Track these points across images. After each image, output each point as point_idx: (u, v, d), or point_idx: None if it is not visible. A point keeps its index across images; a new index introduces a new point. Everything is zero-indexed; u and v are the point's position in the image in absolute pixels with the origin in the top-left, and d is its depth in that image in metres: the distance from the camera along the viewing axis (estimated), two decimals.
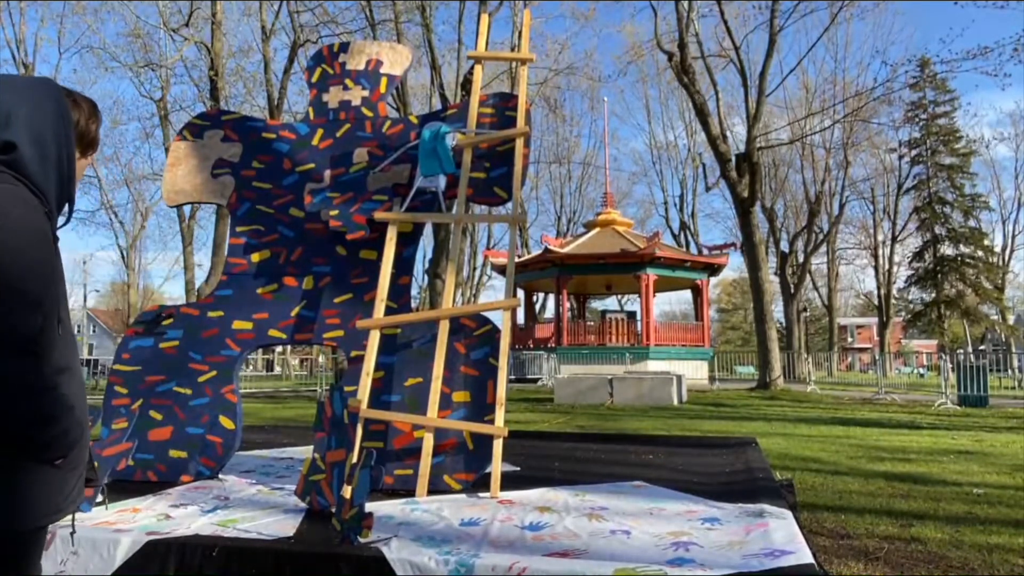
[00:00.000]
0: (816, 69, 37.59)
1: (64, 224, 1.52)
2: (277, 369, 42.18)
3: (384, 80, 4.75)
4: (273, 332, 4.33)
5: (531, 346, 25.39)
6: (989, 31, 53.57)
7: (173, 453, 4.06)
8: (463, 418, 3.91)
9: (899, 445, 7.90)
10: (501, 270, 26.53)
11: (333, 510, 2.84)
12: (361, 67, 4.76)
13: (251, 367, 41.98)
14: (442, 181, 4.36)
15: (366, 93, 4.71)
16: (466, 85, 19.06)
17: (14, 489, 1.34)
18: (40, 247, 1.34)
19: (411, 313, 4.28)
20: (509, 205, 4.47)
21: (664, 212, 45.51)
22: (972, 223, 39.69)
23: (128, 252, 41.32)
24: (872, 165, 40.86)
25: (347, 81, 4.74)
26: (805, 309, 42.63)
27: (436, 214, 4.43)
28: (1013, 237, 44.55)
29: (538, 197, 46.92)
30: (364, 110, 4.67)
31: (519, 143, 4.37)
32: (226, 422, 4.12)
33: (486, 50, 5.63)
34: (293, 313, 4.34)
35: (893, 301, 42.48)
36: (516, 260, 6.34)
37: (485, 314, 4.22)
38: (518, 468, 4.36)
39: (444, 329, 3.99)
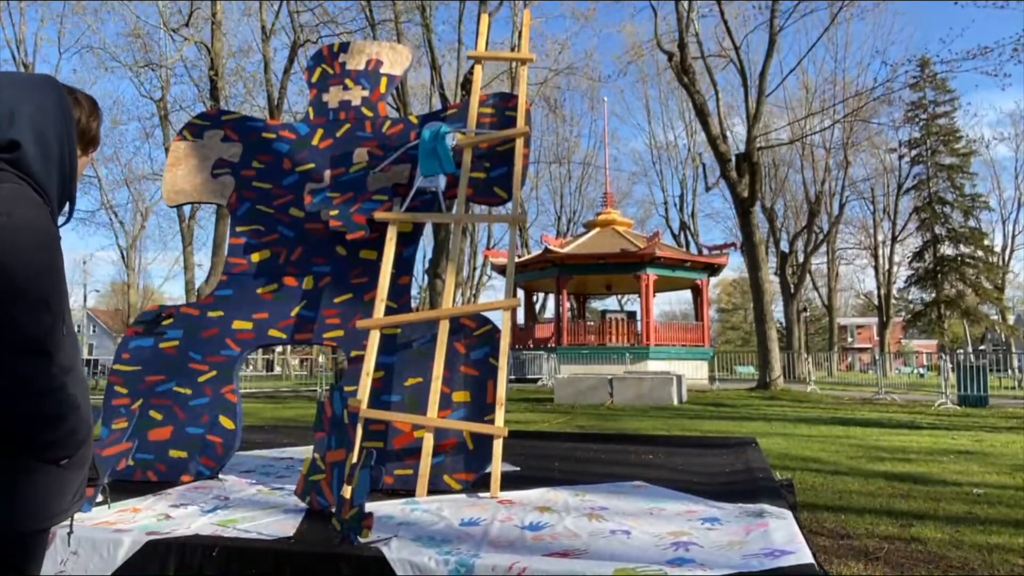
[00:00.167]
0: (816, 69, 37.66)
1: (65, 223, 1.52)
2: (277, 369, 42.18)
3: (384, 80, 4.75)
4: (273, 332, 4.32)
5: (531, 346, 25.39)
6: (989, 31, 53.61)
7: (173, 453, 4.06)
8: (463, 418, 3.91)
9: (899, 445, 7.90)
10: (501, 270, 26.53)
11: (333, 510, 2.84)
12: (361, 67, 4.76)
13: (251, 367, 41.98)
14: (442, 181, 4.36)
15: (366, 93, 4.71)
16: (466, 85, 19.06)
17: (19, 490, 1.34)
18: (47, 247, 1.34)
19: (411, 313, 4.28)
20: (509, 205, 4.46)
21: (664, 212, 45.60)
22: (972, 223, 39.72)
23: (128, 252, 41.36)
24: (872, 165, 40.94)
25: (347, 81, 4.74)
26: (805, 309, 42.63)
27: (436, 214, 4.43)
28: (1013, 237, 44.63)
29: (538, 197, 47.00)
30: (364, 110, 4.67)
31: (519, 143, 4.37)
32: (226, 422, 4.12)
33: (486, 50, 5.63)
34: (293, 313, 4.34)
35: (893, 301, 42.49)
36: (516, 260, 6.34)
37: (485, 314, 4.22)
38: (518, 468, 4.36)
39: (444, 329, 3.99)
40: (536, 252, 26.49)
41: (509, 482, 3.73)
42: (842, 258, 45.30)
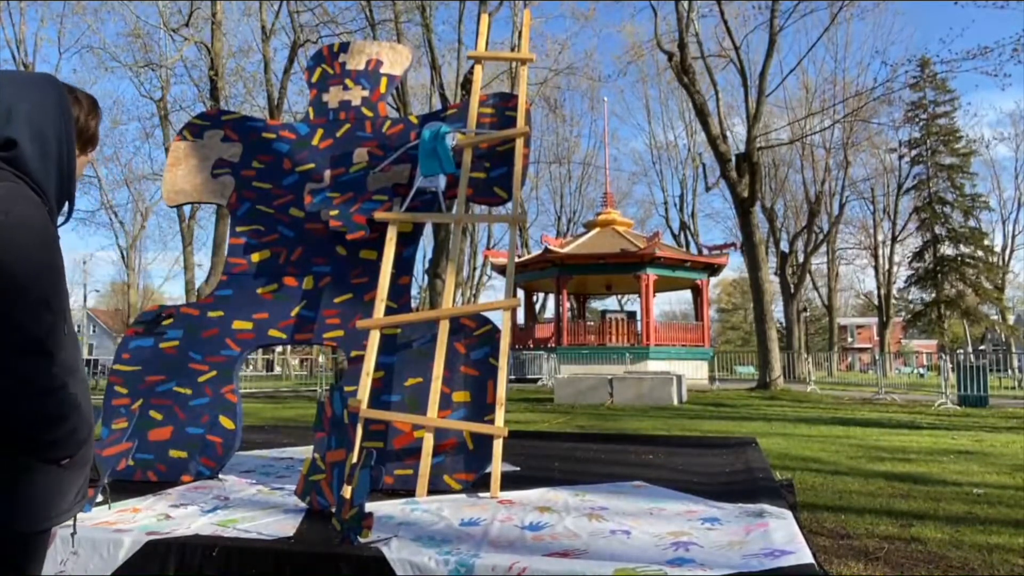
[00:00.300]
0: (816, 69, 37.63)
1: (64, 223, 1.51)
2: (277, 369, 42.17)
3: (384, 80, 4.75)
4: (273, 332, 4.33)
5: (531, 346, 25.39)
6: (989, 31, 53.60)
7: (173, 453, 4.06)
8: (463, 418, 3.91)
9: (899, 445, 7.90)
10: (501, 270, 26.53)
11: (333, 510, 2.84)
12: (361, 67, 4.76)
13: (251, 367, 41.97)
14: (442, 181, 4.36)
15: (366, 93, 4.71)
16: (466, 85, 19.06)
17: (20, 490, 1.33)
18: (46, 246, 1.33)
19: (411, 313, 4.28)
20: (509, 205, 4.47)
21: (664, 212, 45.58)
22: (972, 223, 39.72)
23: (128, 252, 41.36)
24: (872, 165, 40.93)
25: (347, 81, 4.74)
26: (805, 309, 42.63)
27: (436, 214, 4.43)
28: (1013, 237, 44.62)
29: (538, 197, 46.99)
30: (364, 110, 4.67)
31: (519, 143, 4.37)
32: (226, 422, 4.12)
33: (486, 50, 5.63)
34: (293, 313, 4.34)
35: (893, 301, 42.49)
36: (516, 260, 6.34)
37: (485, 314, 4.22)
38: (518, 468, 4.36)
39: (444, 329, 3.99)
40: (536, 252, 26.49)
41: (509, 482, 3.73)
42: (842, 258, 45.36)
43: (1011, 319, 44.95)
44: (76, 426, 1.35)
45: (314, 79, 4.82)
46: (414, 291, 35.21)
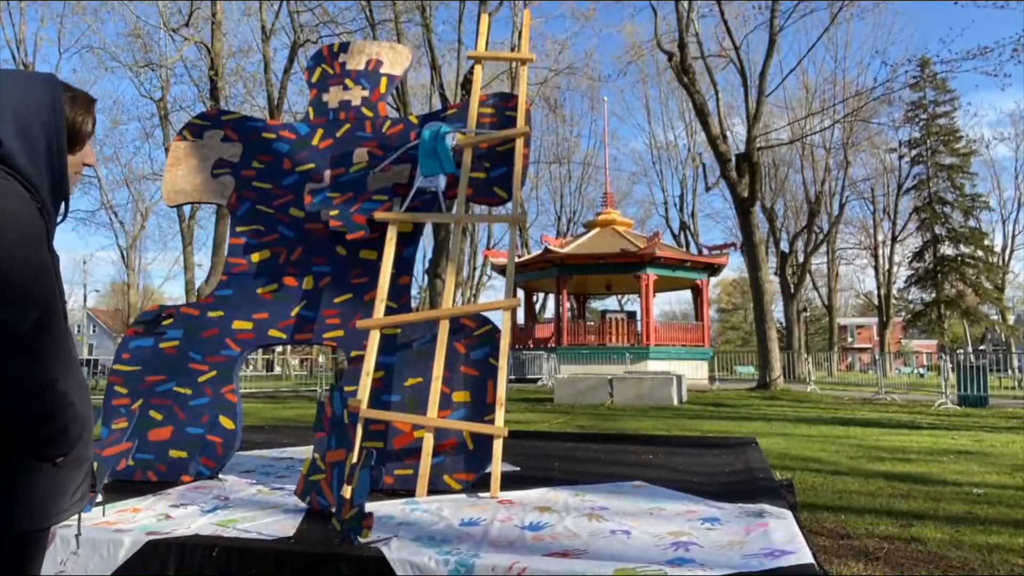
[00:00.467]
0: (816, 69, 37.59)
1: (60, 222, 1.51)
2: (277, 369, 42.17)
3: (384, 80, 4.75)
4: (273, 332, 4.33)
5: (531, 346, 25.39)
6: (989, 31, 53.61)
7: (173, 453, 4.06)
8: (463, 418, 3.91)
9: (899, 445, 7.90)
10: (501, 270, 26.53)
11: (333, 510, 2.84)
12: (361, 67, 4.76)
13: (251, 367, 41.97)
14: (442, 181, 4.36)
15: (366, 93, 4.71)
16: (466, 85, 19.06)
17: (17, 489, 1.33)
18: (32, 242, 1.32)
19: (411, 313, 4.28)
20: (509, 205, 4.47)
21: (664, 212, 45.58)
22: (972, 223, 39.73)
23: (128, 252, 41.36)
24: (872, 165, 40.93)
25: (347, 81, 4.74)
26: (805, 309, 42.63)
27: (436, 214, 4.43)
28: (1013, 237, 44.62)
29: (538, 197, 46.98)
30: (364, 110, 4.67)
31: (519, 143, 4.37)
32: (226, 422, 4.12)
33: (486, 50, 5.63)
34: (293, 313, 4.34)
35: (893, 301, 42.49)
36: (516, 260, 6.34)
37: (485, 314, 4.22)
38: (518, 468, 4.36)
39: (444, 329, 3.99)
40: (536, 252, 26.49)
41: (509, 482, 3.73)
42: (842, 258, 45.36)
43: (1011, 319, 44.95)
44: (67, 425, 1.34)
45: (314, 79, 4.82)
46: (414, 291, 35.22)
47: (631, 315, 27.27)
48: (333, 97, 4.73)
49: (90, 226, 43.84)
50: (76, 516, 1.51)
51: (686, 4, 20.63)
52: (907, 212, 41.55)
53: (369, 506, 2.68)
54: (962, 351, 25.96)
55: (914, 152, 40.66)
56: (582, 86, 38.22)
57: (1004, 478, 5.81)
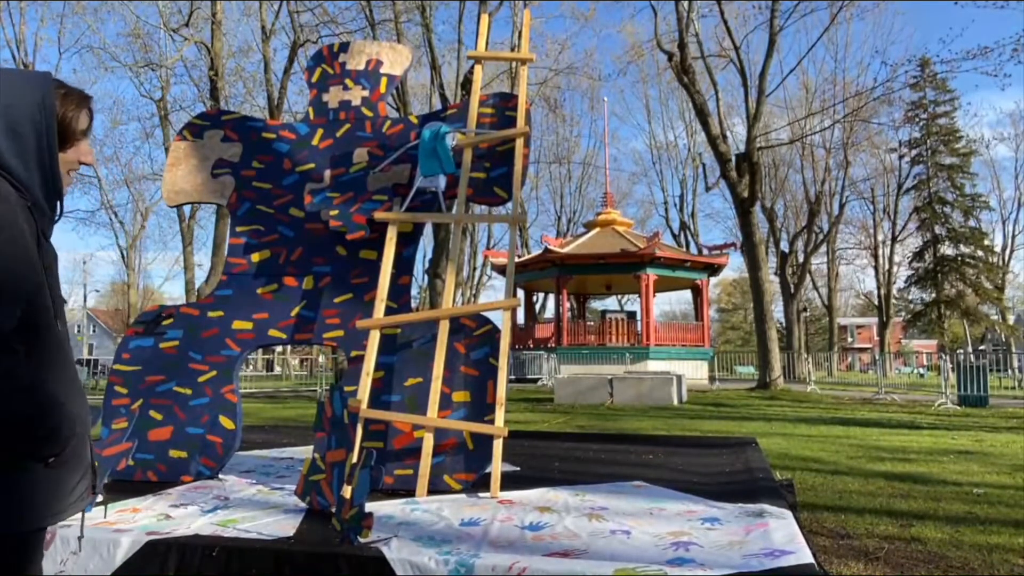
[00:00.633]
0: (816, 69, 37.62)
1: (57, 219, 1.49)
2: (277, 369, 42.16)
3: (384, 80, 4.75)
4: (273, 332, 4.33)
5: (531, 346, 25.39)
6: (989, 31, 53.63)
7: (173, 453, 4.06)
8: (463, 418, 3.91)
9: (899, 445, 7.90)
10: (501, 270, 26.53)
11: (333, 510, 2.84)
12: (361, 67, 4.76)
13: (251, 367, 41.96)
14: (442, 181, 4.36)
15: (366, 93, 4.71)
16: (466, 85, 19.07)
17: (10, 490, 1.32)
18: (14, 239, 1.30)
19: (411, 313, 4.28)
20: (509, 205, 4.46)
21: (664, 212, 45.56)
22: (972, 223, 39.74)
23: (128, 252, 41.34)
24: (872, 165, 40.91)
25: (347, 81, 4.74)
26: (805, 309, 42.63)
27: (436, 214, 4.42)
28: (1013, 237, 44.60)
29: (538, 197, 46.97)
30: (364, 110, 4.67)
31: (519, 143, 4.37)
32: (226, 422, 4.12)
33: (486, 50, 5.62)
34: (293, 313, 4.34)
35: (893, 301, 42.48)
36: (516, 260, 6.34)
37: (485, 314, 4.22)
38: (518, 468, 4.36)
39: (444, 329, 3.99)
40: (536, 252, 26.49)
41: (509, 482, 3.73)
42: (842, 258, 45.35)
43: (1011, 319, 44.96)
44: (56, 424, 1.32)
45: (314, 79, 4.82)
46: (414, 291, 35.22)
47: (631, 315, 27.28)
48: (333, 97, 4.73)
49: (90, 226, 43.96)
50: (77, 516, 1.49)
51: (686, 4, 20.63)
52: (907, 212, 41.59)
53: (369, 506, 2.68)
54: (962, 351, 25.93)
55: (914, 152, 40.67)
56: (582, 86, 38.31)
57: (1004, 478, 5.81)
